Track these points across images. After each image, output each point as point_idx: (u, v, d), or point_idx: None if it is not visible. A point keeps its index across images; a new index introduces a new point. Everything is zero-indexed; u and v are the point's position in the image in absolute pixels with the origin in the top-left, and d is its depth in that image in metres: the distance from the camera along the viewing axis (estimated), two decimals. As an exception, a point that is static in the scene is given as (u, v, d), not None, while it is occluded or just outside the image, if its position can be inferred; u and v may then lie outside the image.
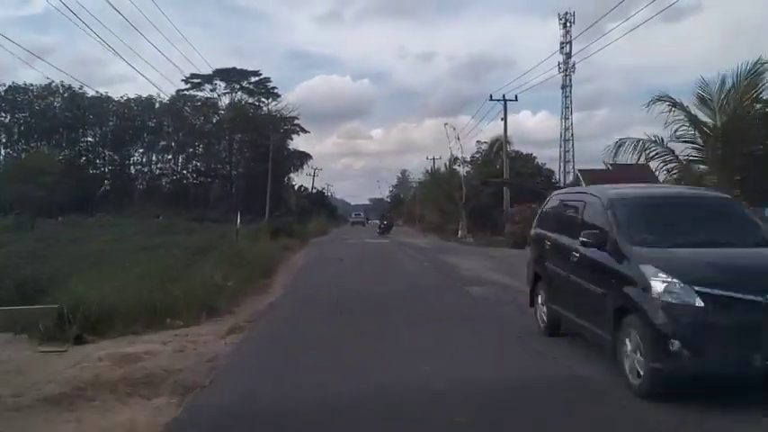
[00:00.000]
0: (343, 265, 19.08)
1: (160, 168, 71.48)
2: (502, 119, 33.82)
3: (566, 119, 65.66)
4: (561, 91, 61.60)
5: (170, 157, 71.62)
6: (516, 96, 34.70)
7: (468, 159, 38.21)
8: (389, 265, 19.39)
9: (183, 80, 65.89)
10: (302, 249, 26.67)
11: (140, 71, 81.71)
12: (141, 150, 70.73)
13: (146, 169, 71.49)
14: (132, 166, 71.76)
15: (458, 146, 35.16)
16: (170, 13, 68.27)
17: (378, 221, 52.54)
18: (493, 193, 34.78)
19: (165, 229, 36.16)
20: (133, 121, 68.09)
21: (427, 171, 57.90)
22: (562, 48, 64.33)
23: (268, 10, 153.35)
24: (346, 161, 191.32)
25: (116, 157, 70.67)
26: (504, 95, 34.52)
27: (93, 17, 34.26)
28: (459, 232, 33.23)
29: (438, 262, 19.89)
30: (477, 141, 36.78)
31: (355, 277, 15.51)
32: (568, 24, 64.90)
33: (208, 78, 68.15)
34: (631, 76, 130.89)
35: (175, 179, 69.95)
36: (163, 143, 68.45)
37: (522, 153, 39.21)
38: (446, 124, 34.22)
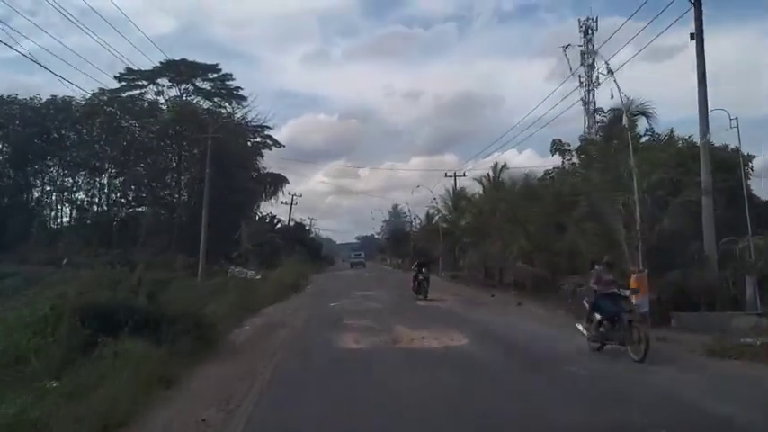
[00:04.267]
0: None
1: (85, 192, 49.98)
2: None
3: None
4: (583, 108, 44.35)
5: (103, 179, 50.14)
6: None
7: (575, 149, 17.55)
8: None
9: (115, 77, 45.10)
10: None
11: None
12: (57, 170, 49.11)
13: (66, 195, 49.82)
14: (49, 191, 50.01)
15: (610, 87, 14.10)
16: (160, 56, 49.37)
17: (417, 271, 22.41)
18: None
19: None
20: (47, 130, 46.72)
21: (454, 193, 37.31)
22: (584, 59, 47.46)
23: (256, 52, 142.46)
24: (332, 200, 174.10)
25: (29, 180, 49.29)
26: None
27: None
28: (636, 300, 12.00)
29: None
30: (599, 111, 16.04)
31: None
32: (590, 32, 47.84)
33: (149, 75, 46.97)
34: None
35: (98, 208, 48.43)
36: (81, 158, 46.73)
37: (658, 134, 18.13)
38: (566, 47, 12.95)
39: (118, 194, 50.29)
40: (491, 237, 22.69)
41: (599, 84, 46.93)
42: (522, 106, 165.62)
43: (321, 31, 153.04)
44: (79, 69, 19.77)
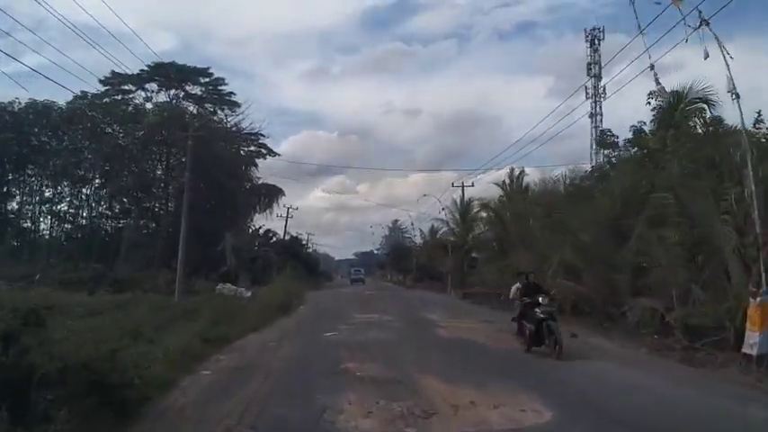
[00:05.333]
0: None
1: (68, 203, 46.35)
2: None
3: (595, 153, 43.56)
4: (590, 120, 41.73)
5: (87, 189, 46.42)
6: None
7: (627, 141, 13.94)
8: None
9: (100, 81, 41.53)
10: None
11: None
12: (38, 179, 45.58)
13: (47, 207, 46.16)
14: (29, 202, 46.38)
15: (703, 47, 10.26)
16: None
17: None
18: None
19: None
20: (26, 136, 43.18)
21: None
22: (589, 69, 44.99)
23: (255, 69, 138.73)
24: (331, 216, 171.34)
25: (8, 189, 45.74)
26: None
27: None
28: (758, 336, 8.32)
29: None
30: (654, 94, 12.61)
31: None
32: (596, 42, 45.23)
33: (136, 79, 43.50)
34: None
35: (81, 220, 44.83)
36: (63, 166, 43.07)
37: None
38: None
39: (103, 206, 46.66)
40: (515, 248, 18.92)
41: (605, 94, 44.06)
42: (521, 123, 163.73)
43: (320, 48, 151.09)
44: (79, 76, 16.25)
